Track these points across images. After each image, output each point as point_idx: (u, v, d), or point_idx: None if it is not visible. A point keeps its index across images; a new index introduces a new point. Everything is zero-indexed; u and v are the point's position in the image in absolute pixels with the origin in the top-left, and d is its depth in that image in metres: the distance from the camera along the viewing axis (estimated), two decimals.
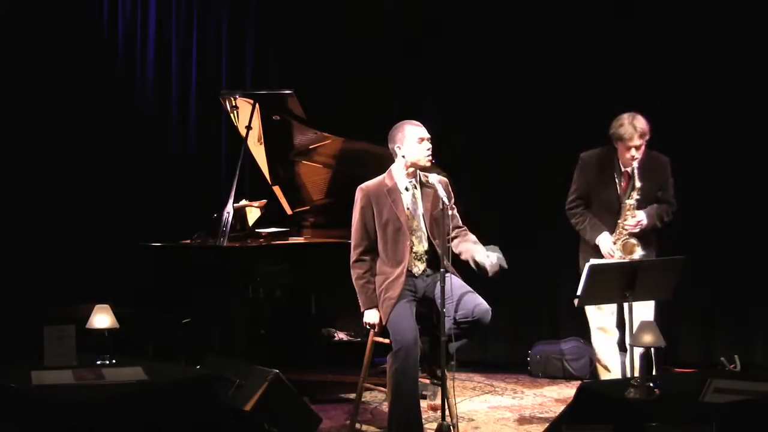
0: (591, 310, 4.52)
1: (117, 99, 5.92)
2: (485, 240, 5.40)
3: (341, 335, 6.10)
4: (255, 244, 4.96)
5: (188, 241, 4.92)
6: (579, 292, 3.87)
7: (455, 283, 4.10)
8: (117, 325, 3.62)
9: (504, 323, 5.56)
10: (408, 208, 4.16)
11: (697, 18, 5.56)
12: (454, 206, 4.19)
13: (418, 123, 4.18)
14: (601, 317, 4.49)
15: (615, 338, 4.53)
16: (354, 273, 4.18)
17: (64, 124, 5.67)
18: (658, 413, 3.07)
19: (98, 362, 3.57)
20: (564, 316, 5.76)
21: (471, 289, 4.14)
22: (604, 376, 4.59)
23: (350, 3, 6.05)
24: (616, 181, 4.41)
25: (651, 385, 3.21)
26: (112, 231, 5.70)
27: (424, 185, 4.20)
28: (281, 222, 5.40)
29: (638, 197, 4.32)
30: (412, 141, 4.12)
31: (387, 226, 4.13)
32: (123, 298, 4.50)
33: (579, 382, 4.22)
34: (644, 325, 3.28)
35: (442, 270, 3.91)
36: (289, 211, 5.45)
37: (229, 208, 4.74)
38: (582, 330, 5.62)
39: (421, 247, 4.18)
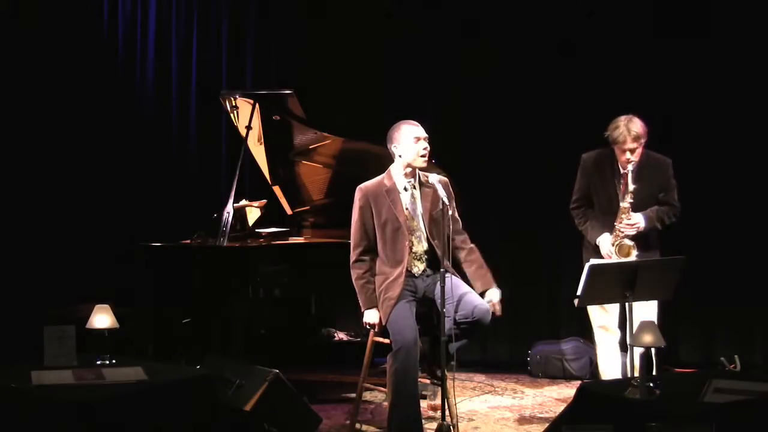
0: (593, 310, 4.51)
1: (117, 99, 5.91)
2: (485, 240, 5.41)
3: (341, 335, 6.10)
4: (255, 244, 4.96)
5: (188, 241, 4.92)
6: (579, 292, 3.87)
7: (455, 283, 4.10)
8: (117, 325, 3.62)
9: (504, 323, 5.54)
10: (407, 208, 4.16)
11: (697, 18, 5.56)
12: (454, 207, 4.18)
13: (416, 123, 4.18)
14: (603, 316, 4.48)
15: (617, 338, 4.53)
16: (354, 273, 4.18)
17: (65, 124, 5.67)
18: (658, 413, 3.07)
19: (98, 362, 3.57)
20: (564, 316, 5.77)
21: (471, 290, 4.14)
22: (605, 376, 4.58)
23: (351, 3, 6.05)
24: (615, 182, 4.41)
25: (651, 385, 3.21)
26: (112, 231, 5.70)
27: (423, 185, 4.20)
28: (281, 222, 5.40)
29: (631, 200, 4.31)
30: (408, 140, 4.12)
31: (386, 227, 4.13)
32: (123, 298, 4.50)
33: (579, 382, 4.22)
34: (644, 325, 3.28)
35: (442, 270, 3.91)
36: (289, 211, 5.45)
37: (229, 208, 4.74)
38: (582, 330, 5.63)
39: (421, 247, 4.18)
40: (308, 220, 5.48)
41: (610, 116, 4.44)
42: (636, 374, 3.40)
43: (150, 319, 4.67)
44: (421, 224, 4.17)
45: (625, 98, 5.05)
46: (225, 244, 4.65)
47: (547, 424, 4.27)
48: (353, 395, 4.48)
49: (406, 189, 4.18)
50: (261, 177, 5.39)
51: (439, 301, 3.93)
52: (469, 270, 4.23)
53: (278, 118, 5.00)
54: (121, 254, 5.23)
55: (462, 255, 4.24)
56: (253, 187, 5.67)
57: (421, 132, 4.14)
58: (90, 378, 3.37)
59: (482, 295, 4.13)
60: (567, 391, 5.24)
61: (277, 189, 5.38)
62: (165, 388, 3.40)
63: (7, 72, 5.43)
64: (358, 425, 4.42)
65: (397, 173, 4.19)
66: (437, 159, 4.64)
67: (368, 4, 6.06)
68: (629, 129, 4.29)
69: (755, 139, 5.51)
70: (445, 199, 3.97)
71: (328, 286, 5.13)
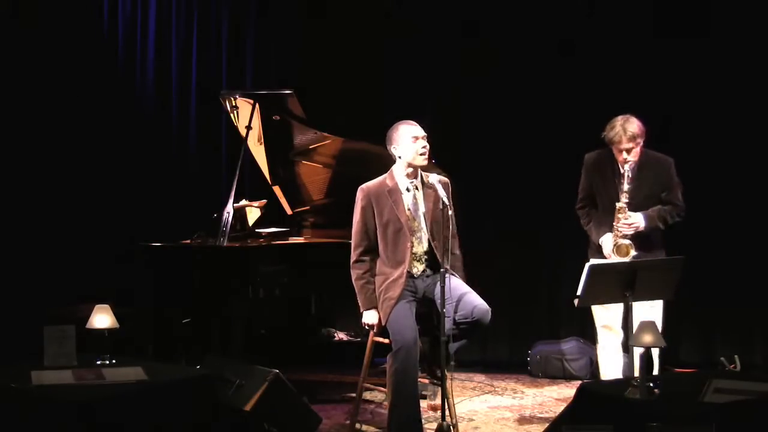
0: (597, 309, 4.49)
1: (117, 99, 5.91)
2: (485, 239, 5.43)
3: (341, 335, 6.10)
4: (255, 244, 4.96)
5: (188, 241, 4.92)
6: (579, 292, 3.87)
7: (455, 283, 4.10)
8: (117, 325, 3.62)
9: (504, 323, 5.56)
10: (409, 209, 4.16)
11: (697, 18, 5.56)
12: (452, 208, 4.17)
13: (413, 122, 4.18)
14: (606, 316, 4.47)
15: (620, 338, 4.51)
16: (354, 273, 4.18)
17: (65, 124, 5.66)
18: (658, 413, 3.07)
19: (98, 362, 3.57)
20: (564, 316, 5.77)
21: (471, 290, 4.14)
22: (605, 377, 4.58)
23: (351, 3, 6.06)
24: (616, 182, 4.40)
25: (651, 385, 3.21)
26: (112, 231, 5.70)
27: (425, 186, 4.20)
28: (281, 222, 5.40)
29: (627, 200, 4.31)
30: (406, 140, 4.13)
31: (387, 227, 4.13)
32: (123, 298, 4.50)
33: (579, 382, 4.22)
34: (644, 325, 3.28)
35: (442, 270, 3.91)
36: (289, 211, 5.45)
37: (229, 208, 4.74)
38: (582, 330, 5.65)
39: (421, 248, 4.18)
40: (308, 220, 5.48)
41: (610, 116, 4.43)
42: (636, 374, 3.41)
43: (150, 319, 4.67)
44: (422, 225, 4.17)
45: (624, 98, 5.05)
46: (225, 244, 4.65)
47: (547, 424, 4.27)
48: (353, 395, 4.48)
49: (408, 189, 4.18)
50: (261, 177, 5.40)
51: (438, 302, 3.93)
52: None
53: (278, 118, 5.00)
54: (121, 254, 5.22)
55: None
56: (253, 187, 5.67)
57: (418, 131, 4.15)
58: (90, 378, 3.37)
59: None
60: (567, 391, 5.24)
61: (277, 189, 5.38)
62: (165, 388, 3.41)
63: (7, 72, 5.42)
64: (358, 425, 4.42)
65: (399, 174, 4.19)
66: (437, 159, 4.63)
67: (368, 4, 6.06)
68: (625, 129, 4.29)
69: (755, 139, 5.52)
70: (446, 200, 3.97)
71: (328, 286, 5.14)
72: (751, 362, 5.29)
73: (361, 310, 4.17)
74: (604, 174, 4.45)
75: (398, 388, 3.98)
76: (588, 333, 5.52)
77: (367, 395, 4.89)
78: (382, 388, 4.37)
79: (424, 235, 4.17)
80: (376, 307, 4.12)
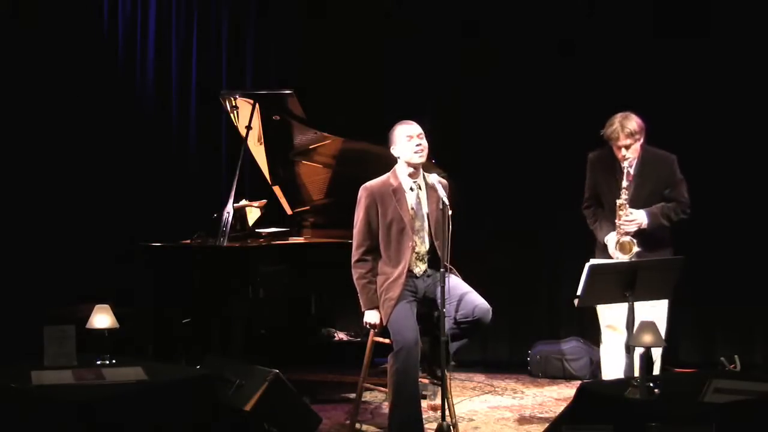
0: (602, 309, 4.47)
1: (117, 99, 5.91)
2: (485, 239, 5.41)
3: (341, 335, 6.10)
4: (255, 244, 4.96)
5: (188, 241, 4.92)
6: (579, 292, 3.87)
7: (455, 283, 4.11)
8: (117, 325, 3.62)
9: (504, 323, 5.56)
10: (412, 208, 4.16)
11: (697, 18, 5.57)
12: (452, 209, 4.16)
13: (410, 122, 4.19)
14: (611, 316, 4.45)
15: (624, 339, 4.49)
16: (355, 273, 4.18)
17: (65, 124, 5.66)
18: (658, 413, 3.07)
19: (98, 362, 3.57)
20: (564, 316, 5.77)
21: (471, 289, 4.14)
22: (606, 377, 4.56)
23: (351, 3, 6.06)
24: (618, 180, 4.40)
25: (651, 385, 3.21)
26: (112, 231, 5.70)
27: (428, 186, 4.20)
28: (281, 222, 5.40)
29: (626, 196, 4.30)
30: (401, 140, 4.14)
31: (391, 226, 4.13)
32: (123, 298, 4.50)
33: (579, 382, 4.22)
34: (644, 325, 3.28)
35: (442, 270, 3.92)
36: (289, 211, 5.45)
37: (229, 208, 4.74)
38: (582, 330, 5.65)
39: (424, 247, 4.18)
40: (308, 220, 5.48)
41: (609, 116, 4.43)
42: (636, 374, 3.41)
43: (150, 319, 4.67)
44: (425, 224, 4.18)
45: (624, 98, 5.04)
46: (225, 244, 4.65)
47: (547, 424, 4.27)
48: (353, 395, 4.48)
49: (411, 189, 4.18)
50: (261, 177, 5.40)
51: (439, 301, 3.93)
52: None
53: (278, 118, 5.00)
54: (121, 254, 5.22)
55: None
56: (253, 187, 5.67)
57: (412, 130, 4.15)
58: (90, 378, 3.37)
59: None
60: (567, 391, 5.24)
61: (277, 189, 5.38)
62: (165, 388, 3.41)
63: (8, 72, 5.42)
64: (358, 425, 4.42)
65: (401, 173, 4.20)
66: (437, 159, 4.64)
67: (368, 4, 6.06)
68: (623, 125, 4.29)
69: (755, 138, 5.52)
70: (446, 200, 3.98)
71: (328, 286, 5.14)
72: (751, 362, 5.29)
73: (363, 310, 4.17)
74: (607, 172, 4.44)
75: (399, 388, 3.98)
76: (588, 333, 5.53)
77: (367, 395, 4.89)
78: (382, 388, 4.37)
79: (427, 234, 4.18)
80: (377, 307, 4.12)
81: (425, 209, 4.18)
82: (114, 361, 3.58)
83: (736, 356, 3.99)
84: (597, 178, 4.52)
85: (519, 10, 5.82)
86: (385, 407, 4.27)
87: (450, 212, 4.04)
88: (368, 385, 4.39)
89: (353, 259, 4.19)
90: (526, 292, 5.90)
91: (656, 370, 4.37)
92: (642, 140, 4.34)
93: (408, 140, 4.12)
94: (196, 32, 6.12)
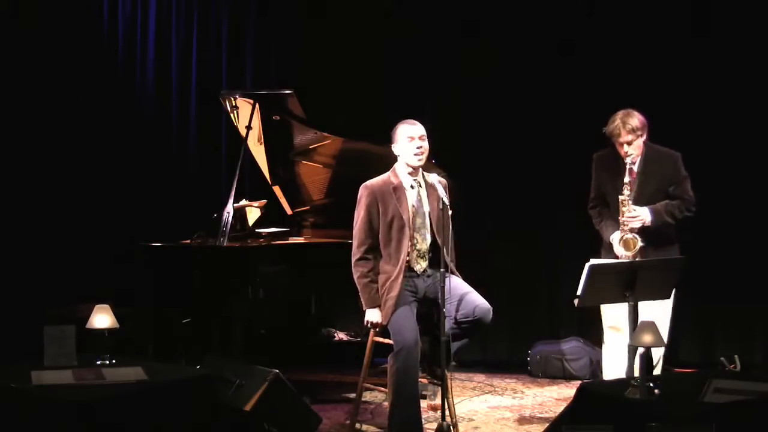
0: (605, 309, 4.46)
1: (117, 99, 5.91)
2: (485, 239, 5.41)
3: (341, 335, 6.10)
4: (255, 244, 4.96)
5: (188, 241, 4.92)
6: (579, 292, 3.87)
7: (456, 283, 4.11)
8: (117, 325, 3.62)
9: (504, 323, 5.56)
10: (413, 206, 4.16)
11: (698, 18, 5.57)
12: (452, 209, 4.16)
13: (413, 122, 4.18)
14: (614, 315, 4.44)
15: (627, 339, 4.49)
16: (356, 271, 4.17)
17: (65, 124, 5.66)
18: (658, 413, 3.07)
19: (98, 362, 3.57)
20: (564, 316, 5.77)
21: (472, 289, 4.14)
22: (607, 377, 4.55)
23: (351, 3, 6.06)
24: (622, 179, 4.39)
25: (651, 385, 3.21)
26: (112, 231, 5.70)
27: (428, 184, 4.20)
28: (281, 222, 5.40)
29: (629, 192, 4.31)
30: (402, 140, 4.14)
31: (392, 224, 4.13)
32: (123, 298, 4.50)
33: (579, 382, 4.22)
34: (644, 325, 3.28)
35: (442, 270, 3.92)
36: (289, 211, 5.45)
37: (229, 208, 4.74)
38: (582, 330, 5.65)
39: (425, 245, 4.18)
40: (308, 220, 5.48)
41: (610, 115, 4.44)
42: (636, 374, 3.41)
43: (150, 319, 4.67)
44: (426, 222, 4.18)
45: (625, 98, 5.03)
46: (225, 244, 4.65)
47: (547, 424, 4.27)
48: (353, 395, 4.48)
49: (412, 186, 4.19)
50: (261, 177, 5.40)
51: (439, 301, 3.93)
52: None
53: (278, 118, 5.00)
54: (121, 254, 5.22)
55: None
56: (253, 187, 5.67)
57: (415, 131, 4.14)
58: (90, 378, 3.37)
59: None
60: (567, 391, 5.24)
61: (277, 189, 5.38)
62: (165, 388, 3.41)
63: (8, 72, 5.42)
64: (358, 425, 4.42)
65: (401, 172, 4.20)
66: (437, 159, 4.64)
67: (368, 4, 6.06)
68: (624, 122, 4.29)
69: (755, 138, 5.52)
70: (446, 200, 3.98)
71: (328, 286, 5.14)
72: (751, 362, 5.29)
73: (364, 309, 4.16)
74: (611, 172, 4.44)
75: (399, 388, 3.98)
76: (588, 333, 5.53)
77: (367, 395, 4.89)
78: (382, 388, 4.37)
79: (428, 232, 4.18)
80: (379, 306, 4.12)
81: (426, 207, 4.19)
82: (114, 361, 3.58)
83: (736, 356, 4.00)
84: (602, 178, 4.52)
85: (519, 9, 5.81)
86: (385, 407, 4.27)
87: (450, 212, 4.04)
88: (368, 385, 4.39)
89: (354, 258, 4.19)
90: (526, 292, 5.90)
91: (657, 370, 4.37)
92: (645, 137, 4.35)
93: (409, 141, 4.12)
94: (196, 32, 6.12)
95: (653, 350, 3.68)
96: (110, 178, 5.82)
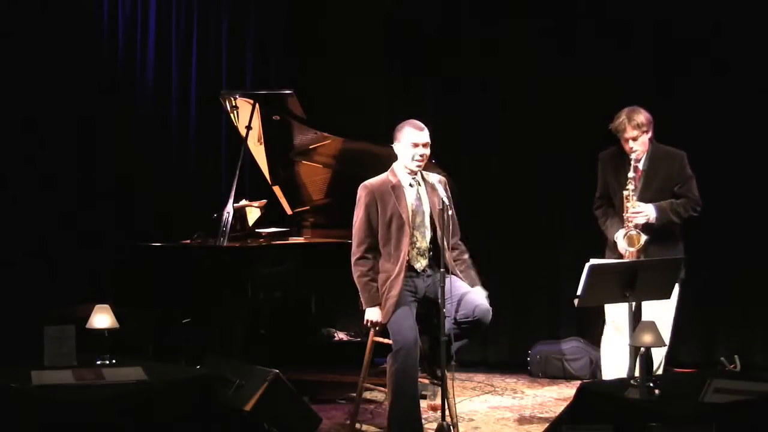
0: (609, 305, 4.47)
1: (117, 99, 5.90)
2: (486, 239, 5.41)
3: (341, 335, 6.10)
4: (255, 244, 4.95)
5: (188, 241, 4.91)
6: (579, 292, 3.87)
7: (456, 283, 4.11)
8: (117, 325, 3.62)
9: (504, 323, 5.56)
10: (412, 204, 4.16)
11: (699, 18, 5.57)
12: (452, 207, 4.17)
13: (421, 126, 4.15)
14: (617, 313, 4.44)
15: (626, 338, 4.49)
16: (356, 271, 4.17)
17: (64, 124, 5.66)
18: (658, 413, 3.07)
19: (98, 362, 3.57)
20: (564, 316, 5.76)
21: (471, 289, 4.14)
22: (605, 373, 4.55)
23: (351, 5, 6.06)
24: (627, 180, 4.40)
25: (651, 385, 3.21)
26: (112, 231, 5.70)
27: (428, 183, 4.20)
28: (281, 222, 5.40)
29: (633, 187, 4.31)
30: (406, 143, 4.13)
31: (391, 223, 4.13)
32: (123, 298, 4.50)
33: (579, 382, 4.22)
34: (644, 325, 3.28)
35: (442, 270, 3.92)
36: (289, 211, 5.45)
37: (229, 208, 4.74)
38: (582, 330, 5.65)
39: (425, 243, 4.18)
40: (308, 220, 5.47)
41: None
42: (636, 374, 3.41)
43: (150, 319, 4.67)
44: (426, 220, 4.18)
45: (625, 97, 5.04)
46: (225, 244, 4.65)
47: (547, 424, 4.27)
48: (353, 395, 4.48)
49: (411, 185, 4.19)
50: (261, 177, 5.39)
51: (439, 301, 3.93)
52: (458, 268, 4.23)
53: (278, 118, 5.00)
54: (121, 254, 5.22)
55: (454, 254, 4.26)
56: (253, 187, 5.67)
57: (420, 138, 4.13)
58: (90, 378, 3.37)
59: None
60: (567, 391, 5.24)
61: (277, 189, 5.38)
62: (165, 388, 3.41)
63: (7, 72, 5.42)
64: (358, 425, 4.42)
65: (400, 170, 4.21)
66: (437, 159, 4.64)
67: (368, 4, 6.06)
68: (630, 117, 4.32)
69: (755, 138, 5.52)
70: (446, 199, 3.98)
71: (328, 286, 5.13)
72: (751, 362, 5.28)
73: (364, 308, 4.16)
74: (617, 170, 4.45)
75: (398, 388, 3.98)
76: (588, 333, 5.53)
77: (367, 395, 4.89)
78: (382, 388, 4.37)
79: (427, 230, 4.18)
80: (379, 305, 4.12)
81: (426, 205, 4.19)
82: (114, 361, 3.59)
83: (736, 356, 4.00)
84: (607, 177, 4.53)
85: (519, 9, 5.81)
86: (385, 407, 4.26)
87: (451, 212, 4.04)
88: (368, 385, 4.39)
89: (354, 257, 4.19)
90: (526, 292, 5.90)
91: (659, 370, 4.38)
92: (650, 134, 4.37)
93: (413, 147, 4.12)
94: (196, 32, 6.12)
95: (655, 350, 3.69)
96: (110, 177, 5.82)
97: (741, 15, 5.51)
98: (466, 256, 4.30)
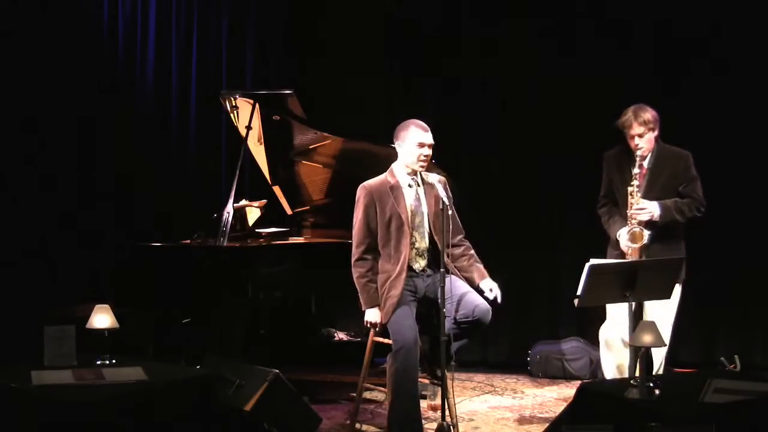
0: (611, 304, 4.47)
1: (117, 99, 5.91)
2: (486, 239, 5.39)
3: (341, 335, 6.10)
4: (255, 244, 4.95)
5: (188, 241, 4.92)
6: (579, 292, 3.87)
7: (455, 283, 4.11)
8: (117, 325, 3.62)
9: (504, 323, 5.56)
10: (411, 204, 4.16)
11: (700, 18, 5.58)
12: (453, 207, 4.17)
13: (426, 127, 4.16)
14: (619, 313, 4.43)
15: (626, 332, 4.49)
16: (356, 272, 4.18)
17: (64, 124, 5.66)
18: (658, 413, 3.07)
19: (98, 362, 3.57)
20: (564, 316, 5.76)
21: (471, 289, 4.14)
22: (606, 362, 4.53)
23: (351, 5, 6.06)
24: (632, 176, 4.40)
25: (651, 385, 3.21)
26: (112, 231, 5.70)
27: (426, 183, 4.21)
28: (281, 222, 5.40)
29: (637, 183, 4.32)
30: (411, 143, 4.13)
31: (390, 224, 4.13)
32: (123, 298, 4.50)
33: (579, 382, 4.22)
34: (644, 325, 3.28)
35: (442, 270, 3.92)
36: (289, 211, 5.45)
37: (229, 208, 4.74)
38: (582, 330, 5.65)
39: (424, 243, 4.18)
40: (308, 220, 5.47)
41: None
42: (636, 374, 3.41)
43: (150, 319, 4.67)
44: (425, 221, 4.18)
45: (625, 97, 5.04)
46: (225, 244, 4.65)
47: (547, 424, 4.27)
48: (353, 395, 4.48)
49: (410, 186, 4.19)
50: (261, 177, 5.39)
51: (439, 301, 3.93)
52: (465, 263, 4.24)
53: (278, 118, 5.00)
54: (121, 254, 5.22)
55: (459, 250, 4.26)
56: (253, 187, 5.67)
57: (426, 138, 4.13)
58: (90, 378, 3.37)
59: (479, 288, 4.14)
60: (567, 391, 5.24)
61: (277, 189, 5.38)
62: (165, 388, 3.41)
63: (7, 72, 5.42)
64: (358, 425, 4.42)
65: (399, 171, 4.21)
66: (437, 159, 4.64)
67: (368, 4, 6.06)
68: (636, 114, 4.33)
69: (755, 139, 5.52)
70: (445, 199, 3.98)
71: (328, 286, 5.13)
72: (751, 362, 5.28)
73: (363, 309, 4.17)
74: (623, 169, 4.45)
75: (398, 388, 3.98)
76: (588, 333, 5.53)
77: (367, 395, 4.89)
78: (382, 388, 4.37)
79: (426, 230, 4.18)
80: (378, 306, 4.12)
81: (425, 205, 4.19)
82: (114, 361, 3.59)
83: (736, 356, 4.00)
84: (612, 176, 4.54)
85: (519, 9, 5.81)
86: (385, 407, 4.26)
87: (451, 211, 4.04)
88: (368, 385, 4.39)
89: (353, 258, 4.19)
90: (526, 292, 5.90)
91: (659, 370, 4.38)
92: (657, 133, 4.38)
93: (418, 147, 4.12)
94: (196, 32, 6.12)
95: (655, 350, 3.69)
96: (110, 177, 5.82)
97: (741, 15, 5.51)
98: (472, 251, 4.30)
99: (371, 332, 4.22)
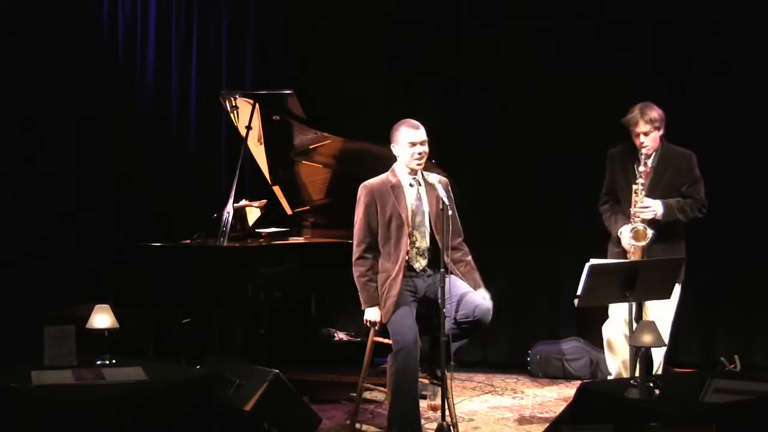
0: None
1: (117, 99, 5.91)
2: (486, 240, 5.40)
3: (341, 335, 6.10)
4: (255, 244, 4.95)
5: (188, 241, 4.92)
6: (579, 292, 3.87)
7: (455, 283, 4.11)
8: (117, 325, 3.63)
9: (504, 323, 5.56)
10: (412, 204, 4.17)
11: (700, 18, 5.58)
12: (454, 208, 4.17)
13: (416, 125, 4.15)
14: (620, 313, 4.42)
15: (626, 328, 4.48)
16: (356, 271, 4.18)
17: (64, 124, 5.66)
18: (658, 413, 3.07)
19: (98, 362, 3.57)
20: (564, 316, 5.76)
21: (471, 289, 4.14)
22: (610, 361, 4.54)
23: (351, 5, 6.06)
24: (637, 174, 4.40)
25: (651, 385, 3.21)
26: (112, 231, 5.70)
27: (428, 183, 4.21)
28: (281, 222, 5.40)
29: (642, 181, 4.32)
30: (404, 144, 4.13)
31: (390, 223, 4.13)
32: (123, 298, 4.50)
33: (579, 382, 4.22)
34: (644, 325, 3.28)
35: (442, 270, 3.92)
36: (289, 211, 5.45)
37: (229, 208, 4.74)
38: (582, 330, 5.65)
39: (424, 243, 4.18)
40: (308, 220, 5.48)
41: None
42: (636, 374, 3.41)
43: (150, 319, 4.67)
44: (426, 220, 4.18)
45: (625, 97, 5.04)
46: (225, 244, 4.65)
47: (547, 424, 4.27)
48: (353, 395, 4.48)
49: (411, 185, 4.19)
50: (261, 177, 5.39)
51: (439, 301, 3.93)
52: (462, 270, 4.23)
53: (278, 118, 5.00)
54: (121, 254, 5.22)
55: (457, 255, 4.26)
56: (253, 187, 5.67)
57: (416, 136, 4.12)
58: (90, 378, 3.37)
59: None
60: (567, 391, 5.24)
61: (277, 189, 5.38)
62: (165, 388, 3.41)
63: (7, 72, 5.42)
64: (358, 425, 4.42)
65: (400, 171, 4.21)
66: (437, 159, 4.64)
67: (368, 4, 6.06)
68: (642, 112, 4.35)
69: (755, 139, 5.51)
70: (445, 200, 3.98)
71: (328, 286, 5.14)
72: (751, 362, 5.28)
73: (363, 308, 4.17)
74: (627, 167, 4.46)
75: (398, 388, 3.98)
76: (588, 333, 5.53)
77: (367, 395, 4.89)
78: (382, 388, 4.37)
79: (427, 230, 4.18)
80: (378, 305, 4.12)
81: (426, 205, 4.19)
82: (114, 361, 3.59)
83: (736, 356, 4.00)
84: (615, 173, 4.54)
85: (519, 9, 5.80)
86: (385, 407, 4.27)
87: (450, 212, 4.05)
88: (368, 385, 4.39)
89: (354, 257, 4.19)
90: (526, 292, 5.90)
91: (659, 370, 4.38)
92: (662, 131, 4.39)
93: (410, 146, 4.12)
94: (196, 32, 6.12)
95: (655, 350, 3.69)
96: (110, 177, 5.82)
97: (741, 15, 5.51)
98: (469, 257, 4.29)
99: (371, 332, 4.22)
